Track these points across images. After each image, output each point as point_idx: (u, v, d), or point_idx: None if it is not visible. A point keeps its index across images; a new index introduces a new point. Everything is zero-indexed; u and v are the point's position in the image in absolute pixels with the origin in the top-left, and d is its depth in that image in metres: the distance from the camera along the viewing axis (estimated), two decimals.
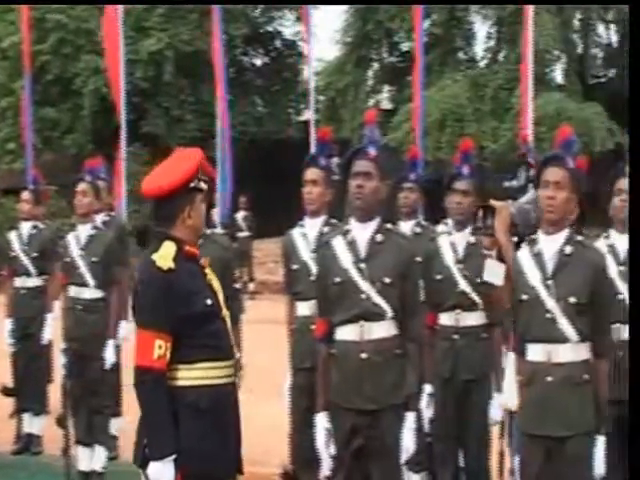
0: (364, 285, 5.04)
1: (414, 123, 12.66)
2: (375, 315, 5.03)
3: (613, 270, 5.53)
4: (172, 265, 4.26)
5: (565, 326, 4.71)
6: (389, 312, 5.04)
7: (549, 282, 4.75)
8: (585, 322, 4.72)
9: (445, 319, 6.15)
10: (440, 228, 6.66)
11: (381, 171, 5.10)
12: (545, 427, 4.74)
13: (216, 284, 4.47)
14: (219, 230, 5.82)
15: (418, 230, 7.03)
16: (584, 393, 4.72)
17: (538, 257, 4.80)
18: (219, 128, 14.01)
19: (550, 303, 4.72)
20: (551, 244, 4.79)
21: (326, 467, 5.12)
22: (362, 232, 5.11)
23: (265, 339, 10.24)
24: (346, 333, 5.07)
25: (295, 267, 6.25)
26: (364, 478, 5.07)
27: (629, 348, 4.68)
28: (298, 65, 27.53)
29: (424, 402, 5.86)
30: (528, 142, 8.44)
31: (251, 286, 20.62)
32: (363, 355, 5.02)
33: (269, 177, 22.91)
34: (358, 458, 5.06)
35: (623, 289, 5.61)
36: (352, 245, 5.11)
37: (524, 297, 4.80)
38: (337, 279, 5.08)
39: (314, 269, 5.71)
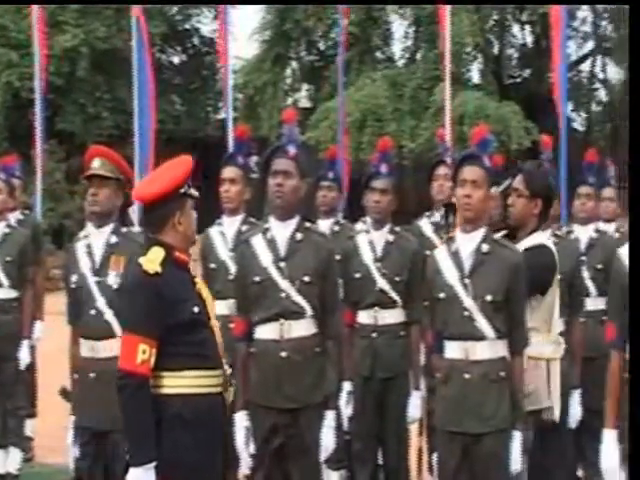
0: (284, 284, 5.03)
1: (339, 121, 12.73)
2: (295, 314, 5.02)
3: None
4: (159, 269, 4.17)
5: (482, 324, 4.74)
6: (309, 310, 5.04)
7: (466, 281, 4.77)
8: (502, 320, 4.75)
9: (364, 317, 6.16)
10: (358, 226, 6.68)
11: (300, 170, 5.10)
12: (462, 424, 4.76)
13: (205, 292, 4.38)
14: (136, 228, 5.77)
15: (337, 228, 7.04)
16: (501, 390, 4.76)
17: (455, 255, 4.83)
18: (137, 126, 13.84)
19: (467, 301, 4.75)
20: (468, 242, 4.82)
21: (245, 466, 5.11)
22: (282, 231, 5.11)
23: None
24: (266, 332, 5.06)
25: (213, 266, 6.21)
26: (284, 476, 5.07)
27: (630, 347, 4.69)
28: (216, 63, 27.39)
29: (343, 400, 5.87)
30: (445, 141, 8.50)
31: None
32: (283, 354, 5.01)
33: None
34: (278, 457, 5.06)
35: None
36: (272, 244, 5.10)
37: (441, 295, 4.82)
38: (257, 278, 5.06)
39: (232, 268, 5.69)
